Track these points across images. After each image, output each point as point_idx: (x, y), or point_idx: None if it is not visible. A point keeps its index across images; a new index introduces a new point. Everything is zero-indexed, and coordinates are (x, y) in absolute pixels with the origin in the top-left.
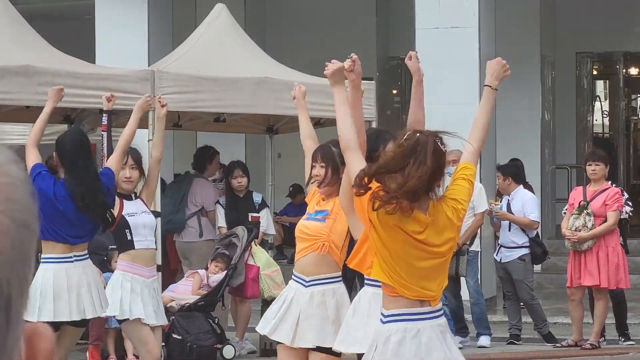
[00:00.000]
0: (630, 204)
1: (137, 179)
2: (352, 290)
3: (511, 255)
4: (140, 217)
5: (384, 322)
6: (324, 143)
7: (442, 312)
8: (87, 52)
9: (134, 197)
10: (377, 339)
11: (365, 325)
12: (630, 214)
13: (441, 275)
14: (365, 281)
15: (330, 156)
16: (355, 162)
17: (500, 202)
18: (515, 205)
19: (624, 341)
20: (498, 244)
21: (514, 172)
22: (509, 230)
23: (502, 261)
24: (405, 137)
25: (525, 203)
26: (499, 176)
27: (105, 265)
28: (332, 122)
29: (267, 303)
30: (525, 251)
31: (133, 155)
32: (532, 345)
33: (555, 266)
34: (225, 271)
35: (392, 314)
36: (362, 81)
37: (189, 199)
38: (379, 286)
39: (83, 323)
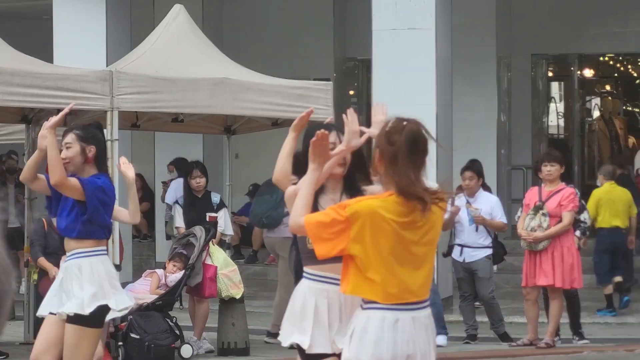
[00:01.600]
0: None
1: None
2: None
3: (476, 254)
4: None
5: None
6: None
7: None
8: (45, 52)
9: None
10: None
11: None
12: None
13: None
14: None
15: None
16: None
17: (453, 202)
18: (481, 207)
19: (578, 340)
20: (455, 245)
21: (482, 172)
22: (476, 231)
23: (466, 261)
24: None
25: (493, 206)
26: (472, 176)
27: None
28: (289, 123)
29: (224, 302)
30: (490, 251)
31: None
32: (488, 345)
33: (511, 266)
34: (183, 271)
35: None
36: (319, 81)
37: None
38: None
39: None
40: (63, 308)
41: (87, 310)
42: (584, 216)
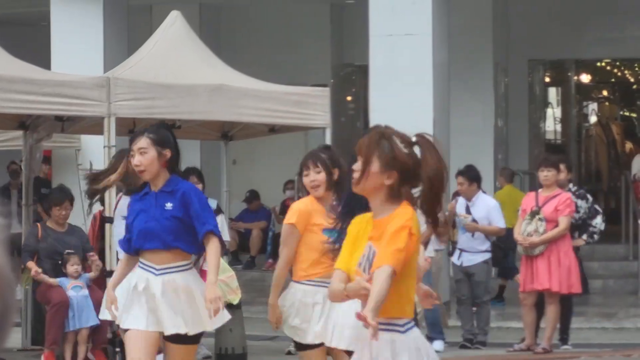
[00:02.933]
0: (588, 197)
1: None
2: None
3: (474, 259)
4: None
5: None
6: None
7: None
8: (42, 58)
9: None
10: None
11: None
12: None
13: None
14: None
15: (322, 160)
16: None
17: (456, 204)
18: (478, 211)
19: (561, 345)
20: (456, 248)
21: (478, 177)
22: (472, 237)
23: (464, 265)
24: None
25: (490, 211)
26: (463, 182)
27: (59, 269)
28: (286, 129)
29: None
30: (488, 255)
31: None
32: (486, 350)
33: None
34: None
35: None
36: (316, 87)
37: None
38: None
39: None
40: (170, 328)
41: (200, 328)
42: (596, 221)
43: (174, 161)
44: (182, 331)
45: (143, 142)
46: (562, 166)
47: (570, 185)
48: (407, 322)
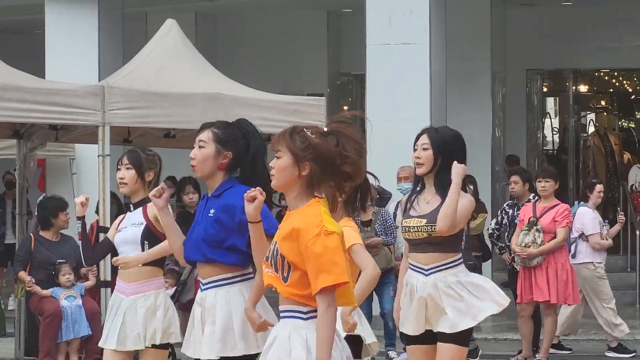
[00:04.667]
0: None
1: (131, 180)
2: None
3: None
4: (123, 232)
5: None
6: None
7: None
8: (37, 67)
9: (132, 209)
10: None
11: None
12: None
13: None
14: None
15: None
16: None
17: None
18: None
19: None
20: None
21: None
22: None
23: None
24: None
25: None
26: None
27: (52, 280)
28: None
29: None
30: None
31: (129, 155)
32: None
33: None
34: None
35: None
36: (313, 97)
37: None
38: None
39: None
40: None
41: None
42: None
43: (236, 166)
44: (198, 357)
45: (204, 135)
46: (517, 177)
47: (531, 197)
48: (311, 310)
